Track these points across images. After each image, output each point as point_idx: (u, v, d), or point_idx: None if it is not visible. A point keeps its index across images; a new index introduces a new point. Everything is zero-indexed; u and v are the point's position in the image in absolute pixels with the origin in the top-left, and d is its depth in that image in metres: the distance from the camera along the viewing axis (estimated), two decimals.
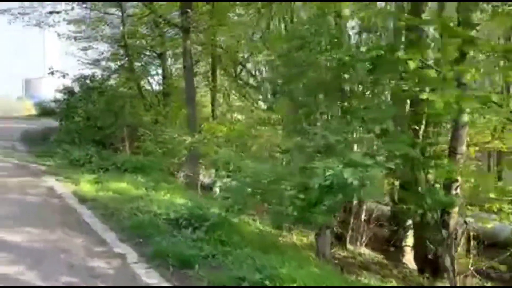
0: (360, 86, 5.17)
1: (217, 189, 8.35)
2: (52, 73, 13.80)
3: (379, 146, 4.10)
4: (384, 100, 5.32)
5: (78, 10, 14.55)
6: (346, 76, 5.04)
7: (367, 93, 5.21)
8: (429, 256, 6.42)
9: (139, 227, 5.36)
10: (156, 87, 16.61)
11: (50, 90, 50.09)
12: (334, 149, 3.96)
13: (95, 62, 15.37)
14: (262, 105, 14.38)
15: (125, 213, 6.11)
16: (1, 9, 15.25)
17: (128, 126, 12.38)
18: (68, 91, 13.99)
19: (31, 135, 15.68)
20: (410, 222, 7.38)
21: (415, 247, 7.18)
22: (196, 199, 7.35)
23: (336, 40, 5.34)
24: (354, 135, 4.83)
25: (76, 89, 14.09)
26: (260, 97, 14.21)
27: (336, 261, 6.27)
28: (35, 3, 14.19)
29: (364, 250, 7.98)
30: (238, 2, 12.13)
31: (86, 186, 7.87)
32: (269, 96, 11.05)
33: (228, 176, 6.97)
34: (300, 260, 4.50)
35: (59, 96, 26.61)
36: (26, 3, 14.50)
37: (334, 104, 5.36)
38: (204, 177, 13.34)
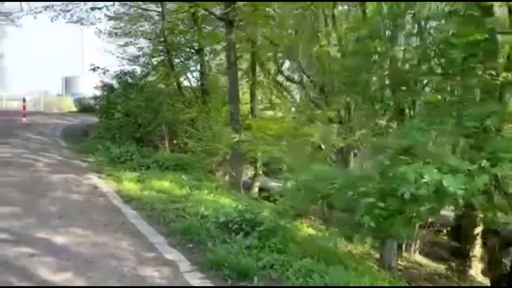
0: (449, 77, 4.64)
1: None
2: (93, 69, 13.82)
3: (474, 148, 3.53)
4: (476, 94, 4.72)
5: (117, 7, 14.51)
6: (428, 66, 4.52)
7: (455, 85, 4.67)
8: (504, 271, 5.75)
9: (188, 230, 5.04)
10: (194, 84, 16.46)
11: (88, 87, 51.42)
12: (425, 151, 3.43)
13: (135, 59, 15.33)
14: (300, 101, 13.90)
15: (171, 215, 5.83)
16: (44, 6, 15.47)
17: (167, 123, 12.19)
18: (108, 88, 13.99)
19: (73, 132, 15.83)
20: (478, 230, 6.71)
21: (485, 259, 6.51)
22: (245, 201, 6.97)
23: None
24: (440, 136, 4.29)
25: (116, 85, 14.08)
26: (301, 94, 13.71)
27: (400, 273, 5.72)
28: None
29: (421, 259, 7.38)
30: None
31: (129, 184, 7.66)
32: (314, 92, 10.54)
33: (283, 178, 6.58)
34: (368, 273, 4.01)
35: (98, 93, 27.11)
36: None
37: (417, 98, 4.81)
38: (245, 176, 13.05)
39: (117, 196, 6.87)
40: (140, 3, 13.79)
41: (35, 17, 18.01)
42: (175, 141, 12.26)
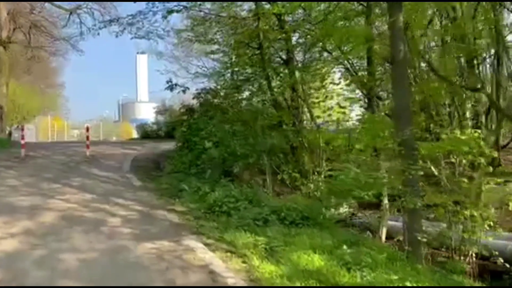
0: None
1: None
2: (171, 87, 11.21)
3: None
4: None
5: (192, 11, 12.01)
6: None
7: None
8: None
9: None
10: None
11: (146, 112, 50.77)
12: None
13: (213, 74, 12.66)
14: None
15: None
16: (109, 20, 13.40)
17: (271, 152, 9.22)
18: (188, 110, 11.36)
19: (143, 164, 13.35)
20: None
21: None
22: None
23: None
24: None
25: (196, 106, 11.44)
26: None
27: None
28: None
29: None
30: None
31: (262, 264, 4.66)
32: None
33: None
34: None
35: (160, 118, 25.01)
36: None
37: None
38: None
39: None
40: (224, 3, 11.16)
41: (98, 33, 16.13)
42: (278, 177, 9.24)
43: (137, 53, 75.29)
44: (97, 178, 10.58)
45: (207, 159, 8.78)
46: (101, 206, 7.36)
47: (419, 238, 5.97)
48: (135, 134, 31.94)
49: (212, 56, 13.38)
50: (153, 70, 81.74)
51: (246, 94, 10.78)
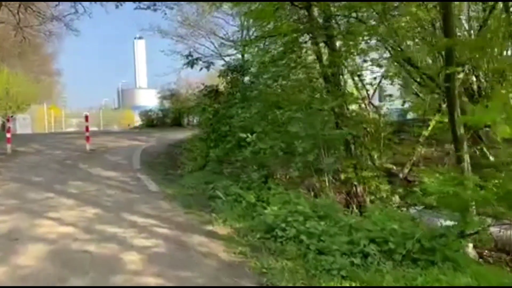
0: None
1: None
2: (191, 63, 8.79)
3: None
4: None
5: None
6: None
7: None
8: None
9: None
10: None
11: (148, 99, 48.27)
12: None
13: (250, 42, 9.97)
14: None
15: None
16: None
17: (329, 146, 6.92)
18: (212, 91, 8.98)
19: (155, 159, 11.12)
20: None
21: None
22: None
23: None
24: None
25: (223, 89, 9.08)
26: None
27: None
28: None
29: None
30: None
31: None
32: None
33: None
34: None
35: (166, 103, 22.57)
36: None
37: None
38: None
39: None
40: None
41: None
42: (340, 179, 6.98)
43: (135, 38, 72.58)
44: (101, 181, 8.34)
45: (252, 157, 6.44)
46: (109, 230, 5.13)
47: None
48: (138, 122, 29.58)
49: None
50: (151, 56, 79.03)
51: (281, 69, 8.33)
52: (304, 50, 8.45)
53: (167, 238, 4.90)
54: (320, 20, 8.81)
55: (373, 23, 9.20)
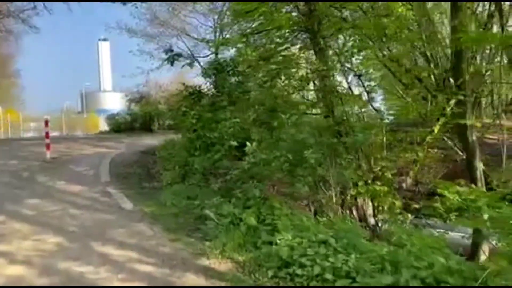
0: None
1: None
2: (171, 59, 7.60)
3: None
4: None
5: None
6: None
7: None
8: None
9: None
10: None
11: (113, 102, 46.06)
12: None
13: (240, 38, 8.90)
14: None
15: None
16: None
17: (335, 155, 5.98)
18: (193, 92, 7.84)
19: (127, 171, 9.79)
20: None
21: None
22: None
23: None
24: None
25: (206, 89, 7.98)
26: None
27: None
28: None
29: None
30: None
31: None
32: None
33: None
34: None
35: (134, 107, 21.11)
36: None
37: None
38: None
39: None
40: None
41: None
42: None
43: (99, 40, 69.79)
44: (64, 198, 7.04)
45: (251, 169, 5.35)
46: (76, 270, 3.94)
47: None
48: (103, 127, 27.75)
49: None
50: (117, 58, 76.32)
51: (276, 68, 7.36)
52: (298, 46, 7.50)
53: (153, 280, 3.78)
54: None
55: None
